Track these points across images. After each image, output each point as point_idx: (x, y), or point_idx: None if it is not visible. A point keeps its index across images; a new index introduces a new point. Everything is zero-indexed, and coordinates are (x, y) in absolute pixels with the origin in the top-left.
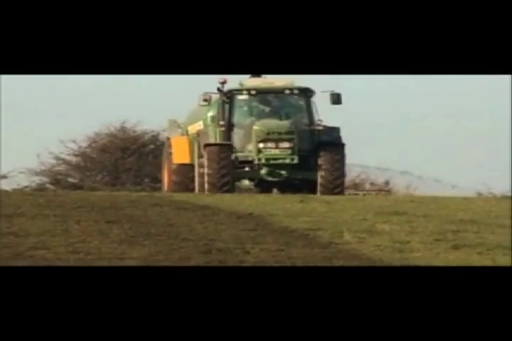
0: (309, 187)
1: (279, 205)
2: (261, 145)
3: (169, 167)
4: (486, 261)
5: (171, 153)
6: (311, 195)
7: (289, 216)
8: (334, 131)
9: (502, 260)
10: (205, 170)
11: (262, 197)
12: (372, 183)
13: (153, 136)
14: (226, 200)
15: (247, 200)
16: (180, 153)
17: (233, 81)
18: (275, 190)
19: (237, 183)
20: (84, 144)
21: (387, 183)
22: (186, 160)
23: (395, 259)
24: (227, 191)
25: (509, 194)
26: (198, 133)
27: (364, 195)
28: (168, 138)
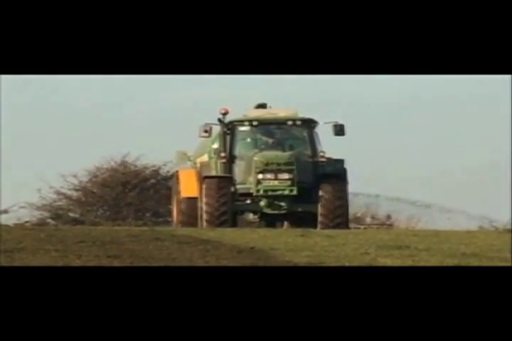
0: (314, 220)
1: (281, 239)
2: (260, 176)
3: (178, 200)
4: None
5: (179, 187)
6: (312, 229)
7: (291, 250)
8: (338, 162)
9: None
10: (203, 203)
11: (264, 231)
12: (373, 217)
13: (154, 170)
14: (227, 234)
15: (248, 234)
16: (188, 187)
17: (235, 113)
18: (286, 223)
19: (242, 217)
20: (85, 179)
21: (389, 217)
22: (194, 194)
23: None
24: (225, 224)
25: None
26: (201, 166)
27: (365, 228)
28: (177, 171)
